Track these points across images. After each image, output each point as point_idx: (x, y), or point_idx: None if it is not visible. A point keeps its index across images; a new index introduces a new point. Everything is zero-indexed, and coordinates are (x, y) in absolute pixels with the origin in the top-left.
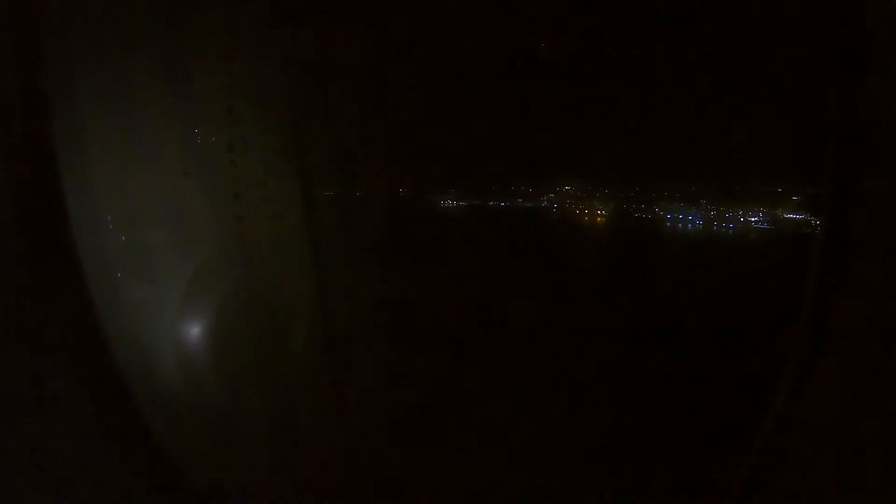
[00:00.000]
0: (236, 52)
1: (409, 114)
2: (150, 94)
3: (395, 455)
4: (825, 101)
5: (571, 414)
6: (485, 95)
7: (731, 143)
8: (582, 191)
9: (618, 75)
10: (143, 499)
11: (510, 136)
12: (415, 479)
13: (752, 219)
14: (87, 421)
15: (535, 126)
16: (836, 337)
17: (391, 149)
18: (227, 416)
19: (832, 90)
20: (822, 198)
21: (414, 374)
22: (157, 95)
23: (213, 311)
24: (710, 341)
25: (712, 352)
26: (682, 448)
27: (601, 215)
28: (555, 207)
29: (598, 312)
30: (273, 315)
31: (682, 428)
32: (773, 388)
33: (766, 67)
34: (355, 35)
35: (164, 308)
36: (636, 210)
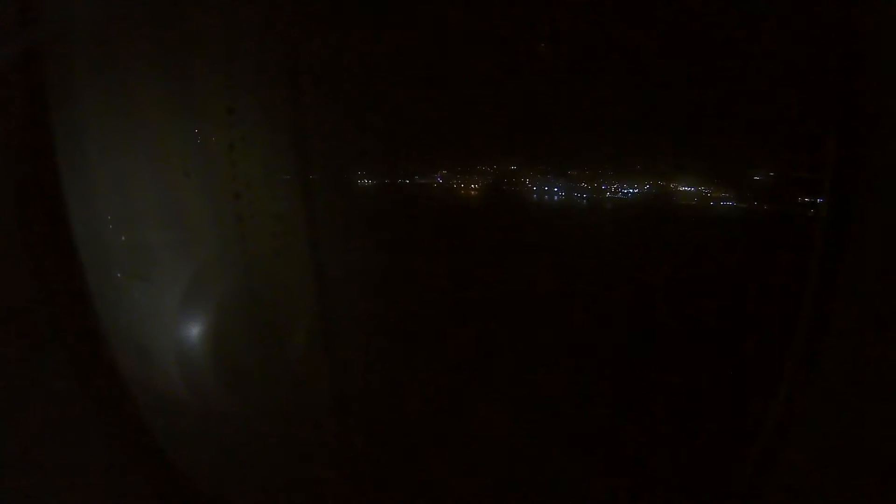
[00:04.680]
0: (236, 52)
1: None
2: (150, 94)
3: (395, 455)
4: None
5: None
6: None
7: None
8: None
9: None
10: (143, 499)
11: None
12: (415, 480)
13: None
14: (87, 421)
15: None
16: (836, 337)
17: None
18: (227, 416)
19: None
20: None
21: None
22: (157, 95)
23: (213, 311)
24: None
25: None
26: (682, 448)
27: (476, 189)
28: (438, 182)
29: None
30: (274, 315)
31: (682, 428)
32: (771, 387)
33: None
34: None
35: (164, 308)
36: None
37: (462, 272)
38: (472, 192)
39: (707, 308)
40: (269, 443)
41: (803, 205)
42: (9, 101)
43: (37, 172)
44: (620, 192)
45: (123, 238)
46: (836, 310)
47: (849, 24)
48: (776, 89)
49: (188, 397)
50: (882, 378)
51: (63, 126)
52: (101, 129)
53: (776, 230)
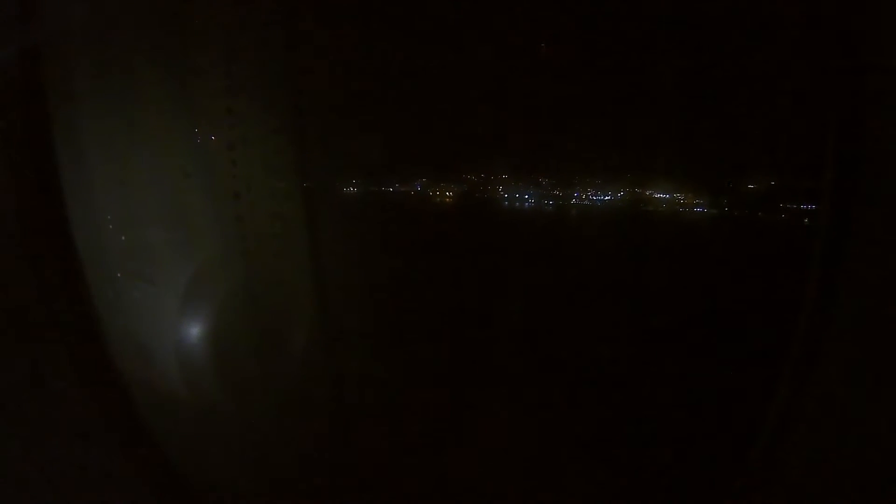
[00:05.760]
0: (236, 52)
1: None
2: (150, 94)
3: (395, 455)
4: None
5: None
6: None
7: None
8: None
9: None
10: (143, 499)
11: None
12: (413, 477)
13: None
14: (87, 421)
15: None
16: (836, 337)
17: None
18: (226, 415)
19: None
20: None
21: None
22: (157, 95)
23: (212, 311)
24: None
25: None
26: (682, 448)
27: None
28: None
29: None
30: (273, 314)
31: (683, 427)
32: (774, 386)
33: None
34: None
35: (164, 308)
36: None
37: (443, 269)
38: (448, 199)
39: (707, 309)
40: (268, 442)
41: (803, 206)
42: (9, 101)
43: (37, 172)
44: (599, 198)
45: (123, 238)
46: (836, 310)
47: (848, 24)
48: (774, 92)
49: (188, 397)
50: (882, 378)
51: (63, 126)
52: (101, 129)
53: (776, 232)
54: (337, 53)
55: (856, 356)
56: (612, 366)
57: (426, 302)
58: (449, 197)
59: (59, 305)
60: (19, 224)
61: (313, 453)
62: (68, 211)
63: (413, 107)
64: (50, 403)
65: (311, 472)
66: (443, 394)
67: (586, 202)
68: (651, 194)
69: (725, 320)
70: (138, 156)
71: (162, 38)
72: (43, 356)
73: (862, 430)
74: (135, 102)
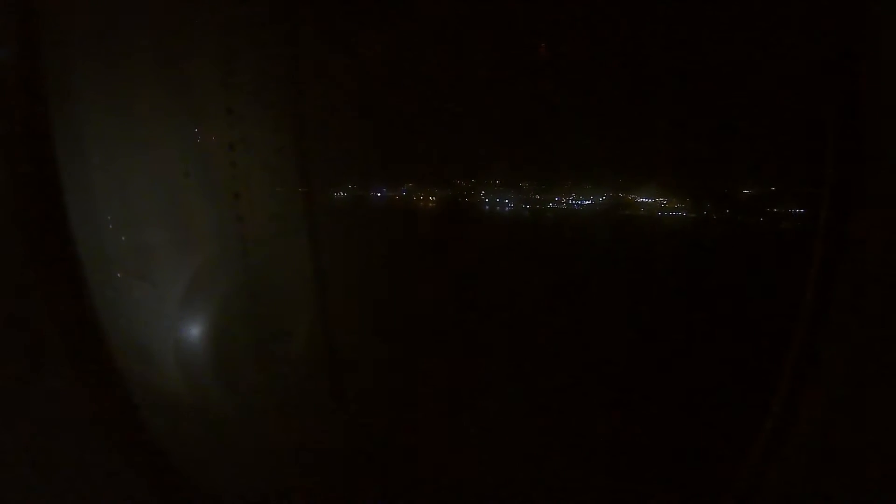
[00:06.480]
0: (236, 52)
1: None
2: (150, 94)
3: (394, 455)
4: None
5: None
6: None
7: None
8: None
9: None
10: (143, 499)
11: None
12: (411, 479)
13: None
14: (87, 421)
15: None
16: (836, 337)
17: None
18: (226, 415)
19: None
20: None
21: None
22: (157, 95)
23: (212, 311)
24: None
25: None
26: (681, 448)
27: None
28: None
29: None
30: (273, 315)
31: (683, 428)
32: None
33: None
34: None
35: (164, 308)
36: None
37: (437, 269)
38: (431, 203)
39: (707, 310)
40: (267, 441)
41: (797, 209)
42: (9, 100)
43: (37, 172)
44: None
45: (123, 238)
46: (835, 310)
47: (847, 24)
48: (770, 92)
49: (188, 397)
50: (882, 378)
51: (63, 126)
52: (101, 129)
53: (772, 234)
54: (335, 55)
55: (856, 356)
56: (609, 367)
57: (423, 300)
58: (432, 201)
59: (60, 305)
60: (19, 224)
61: (313, 452)
62: (68, 211)
63: (403, 111)
64: (50, 403)
65: (311, 470)
66: (441, 395)
67: (563, 206)
68: (634, 198)
69: (724, 321)
70: (138, 156)
71: (162, 37)
72: (43, 356)
73: (862, 430)
74: (135, 102)
